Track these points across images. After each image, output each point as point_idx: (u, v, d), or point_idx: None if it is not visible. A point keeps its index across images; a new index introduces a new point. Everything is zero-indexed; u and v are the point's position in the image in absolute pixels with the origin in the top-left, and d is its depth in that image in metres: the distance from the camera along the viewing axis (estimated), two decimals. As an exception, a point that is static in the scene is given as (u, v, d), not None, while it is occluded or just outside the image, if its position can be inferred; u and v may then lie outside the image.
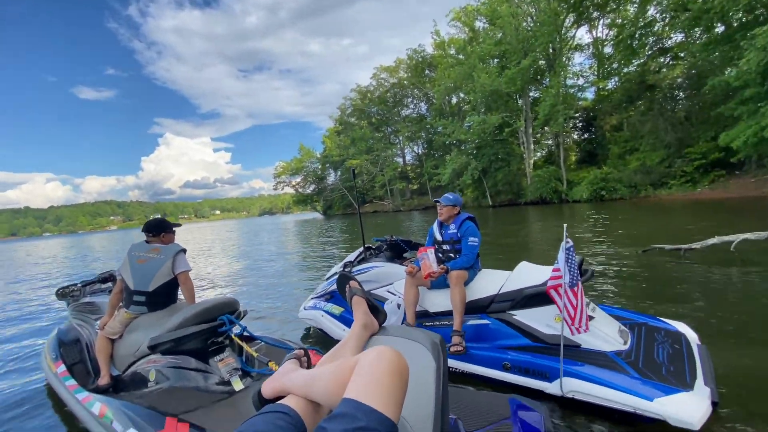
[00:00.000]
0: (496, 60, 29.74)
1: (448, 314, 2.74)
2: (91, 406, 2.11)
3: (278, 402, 0.92)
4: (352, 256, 3.73)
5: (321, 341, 3.35)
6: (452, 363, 2.50)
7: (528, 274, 2.62)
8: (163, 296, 2.57)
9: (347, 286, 1.53)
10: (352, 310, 1.38)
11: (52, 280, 10.37)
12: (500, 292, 2.61)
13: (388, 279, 3.27)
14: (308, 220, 42.71)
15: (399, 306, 2.93)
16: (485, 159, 29.73)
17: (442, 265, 2.73)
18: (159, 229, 2.72)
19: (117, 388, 2.42)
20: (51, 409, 2.71)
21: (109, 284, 3.54)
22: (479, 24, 32.73)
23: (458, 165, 30.30)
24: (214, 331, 2.23)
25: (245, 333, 2.41)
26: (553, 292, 2.05)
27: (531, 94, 29.61)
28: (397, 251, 3.75)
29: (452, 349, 2.50)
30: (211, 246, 17.90)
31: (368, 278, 3.30)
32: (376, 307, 1.38)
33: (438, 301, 2.85)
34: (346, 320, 3.21)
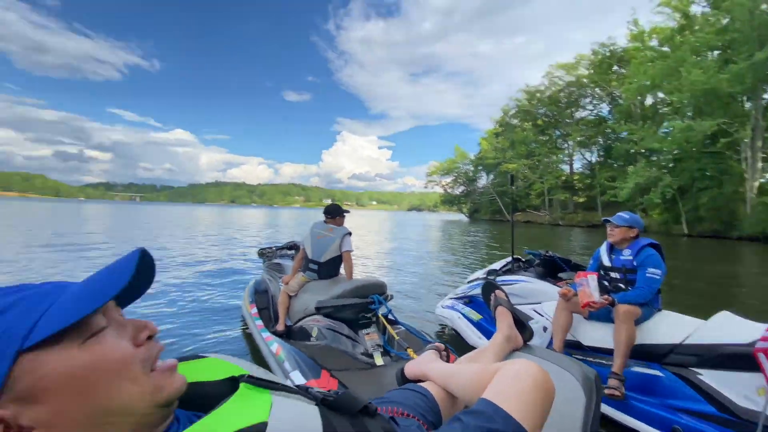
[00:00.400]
0: (716, 52, 23.11)
1: (607, 352, 2.33)
2: (271, 345, 2.52)
3: (418, 383, 0.99)
4: (497, 265, 3.57)
5: (454, 342, 3.35)
6: (606, 408, 2.13)
7: (729, 328, 2.02)
8: (330, 268, 3.09)
9: (492, 294, 1.49)
10: (495, 319, 1.34)
11: (254, 240, 13.47)
12: (685, 342, 2.08)
13: (536, 297, 3.00)
14: (453, 221, 42.88)
15: (545, 329, 2.66)
16: (685, 175, 23.65)
17: (606, 296, 2.32)
18: (335, 213, 3.26)
19: (289, 335, 2.86)
20: (242, 338, 3.50)
21: (293, 251, 4.37)
22: (696, 8, 25.96)
23: (644, 179, 24.83)
24: (365, 307, 2.52)
25: (390, 316, 2.65)
26: (762, 357, 1.61)
27: (766, 96, 21.79)
28: (551, 269, 3.38)
29: (608, 392, 2.12)
30: (368, 232, 19.97)
31: (513, 291, 3.10)
32: (522, 323, 1.32)
33: (596, 334, 2.45)
34: (483, 328, 3.11)
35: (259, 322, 3.02)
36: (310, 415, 0.54)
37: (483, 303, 3.22)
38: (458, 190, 58.10)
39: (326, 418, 0.56)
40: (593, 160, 41.25)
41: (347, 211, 3.40)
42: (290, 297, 3.09)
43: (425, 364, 1.09)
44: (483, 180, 53.97)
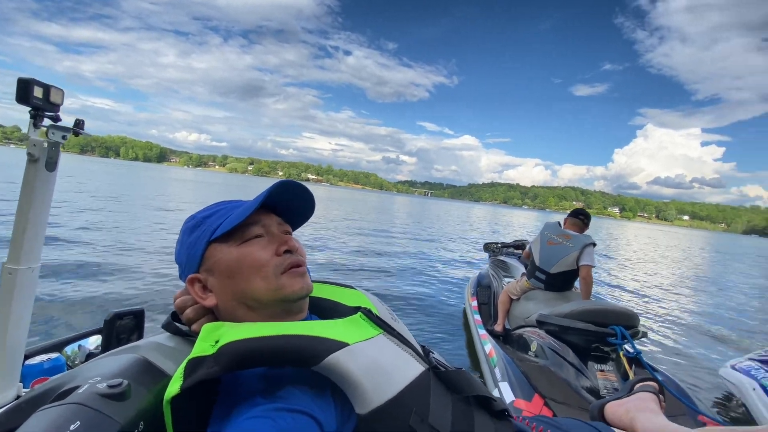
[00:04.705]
0: None
1: None
2: (485, 344, 2.44)
3: (615, 430, 0.81)
4: None
5: (733, 414, 2.44)
6: None
7: None
8: (560, 281, 2.68)
9: None
10: None
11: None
12: None
13: None
14: None
15: None
16: None
17: None
18: (579, 217, 2.81)
19: (506, 340, 2.66)
20: (461, 326, 3.66)
21: (519, 251, 4.02)
22: None
23: None
24: (602, 337, 2.03)
25: (637, 357, 2.06)
26: None
27: None
28: None
29: None
30: (663, 257, 15.87)
31: None
32: None
33: None
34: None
35: (478, 317, 3.02)
36: (404, 367, 0.54)
37: None
38: None
39: (425, 382, 0.54)
40: None
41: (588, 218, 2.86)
42: (512, 300, 2.91)
43: (637, 411, 0.87)
44: None
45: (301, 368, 0.47)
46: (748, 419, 2.37)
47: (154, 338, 0.57)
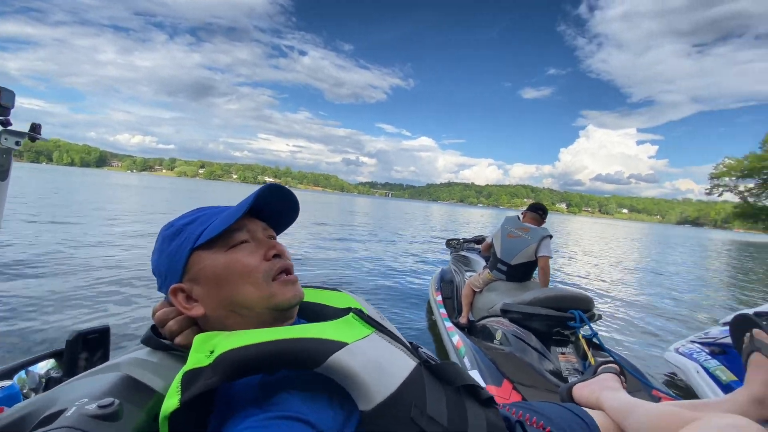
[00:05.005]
0: None
1: None
2: (452, 335, 2.50)
3: (584, 409, 0.86)
4: None
5: (681, 392, 2.60)
6: None
7: None
8: (521, 272, 2.82)
9: (748, 334, 1.01)
10: (746, 371, 0.96)
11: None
12: None
13: None
14: (757, 245, 29.93)
15: None
16: None
17: None
18: (537, 211, 2.98)
19: (471, 331, 2.74)
20: (425, 319, 3.70)
21: (479, 246, 4.05)
22: None
23: None
24: (562, 322, 2.16)
25: (595, 340, 2.21)
26: None
27: None
28: None
29: None
30: (608, 248, 17.13)
31: None
32: None
33: None
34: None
35: (443, 311, 3.06)
36: (399, 362, 0.55)
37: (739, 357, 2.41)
38: (770, 200, 39.79)
39: (418, 376, 0.56)
40: None
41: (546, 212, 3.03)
42: (475, 292, 2.99)
43: (601, 390, 0.93)
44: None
45: (301, 371, 0.47)
46: (696, 396, 2.51)
47: (134, 354, 0.54)
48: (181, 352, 0.54)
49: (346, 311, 0.62)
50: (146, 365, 0.51)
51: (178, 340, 0.54)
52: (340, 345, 0.48)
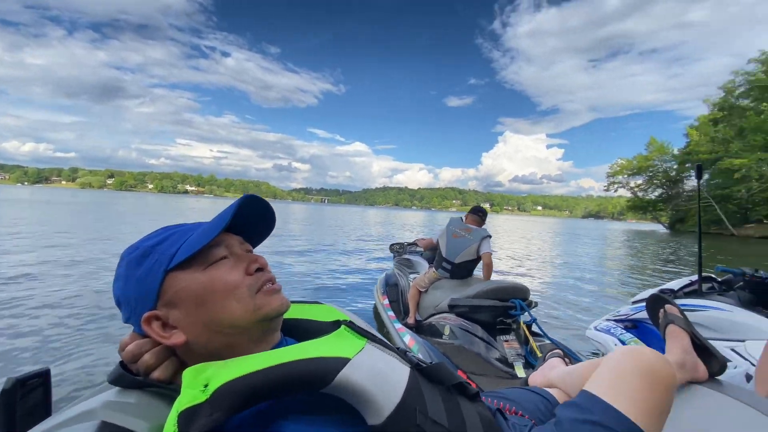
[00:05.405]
0: None
1: None
2: (404, 336, 2.56)
3: (544, 388, 0.98)
4: (675, 284, 2.90)
5: None
6: None
7: None
8: (464, 269, 2.99)
9: (662, 310, 1.18)
10: (665, 342, 1.08)
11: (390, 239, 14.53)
12: None
13: (735, 332, 2.28)
14: (645, 233, 35.13)
15: (748, 378, 2.06)
16: None
17: None
18: (477, 213, 3.21)
19: (419, 330, 2.81)
20: (374, 323, 3.51)
21: (421, 249, 4.20)
22: None
23: None
24: (504, 311, 2.33)
25: (533, 325, 2.42)
26: None
27: None
28: (763, 296, 2.58)
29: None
30: (530, 242, 18.67)
31: (698, 320, 2.41)
32: (707, 349, 1.01)
33: None
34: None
35: (391, 313, 3.11)
36: (397, 372, 0.54)
37: (651, 329, 2.71)
38: (653, 194, 47.10)
39: (415, 381, 0.56)
40: None
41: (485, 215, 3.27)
42: (420, 292, 3.08)
43: (548, 371, 1.05)
44: (693, 181, 42.22)
45: (306, 394, 0.45)
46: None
47: (105, 397, 0.49)
48: (159, 389, 0.50)
49: (335, 324, 0.61)
50: (124, 408, 0.46)
51: (155, 374, 0.50)
52: (344, 361, 0.47)
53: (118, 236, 9.78)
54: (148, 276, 0.50)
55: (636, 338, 2.80)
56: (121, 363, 0.52)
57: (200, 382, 0.42)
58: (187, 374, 0.44)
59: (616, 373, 0.67)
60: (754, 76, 32.84)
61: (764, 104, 32.60)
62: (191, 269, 0.51)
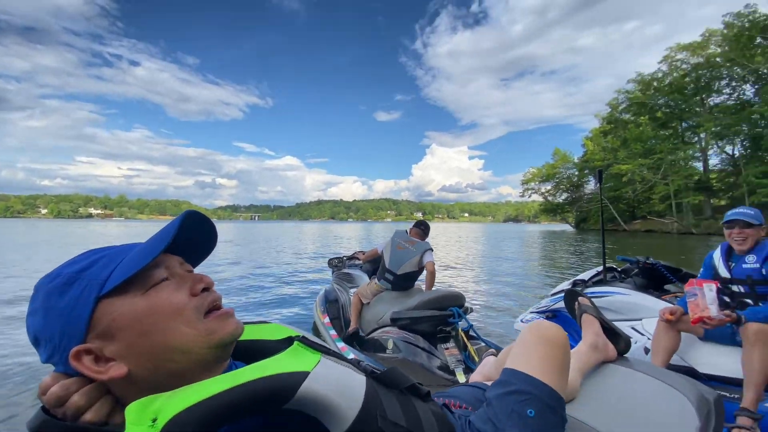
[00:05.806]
0: None
1: (734, 383, 1.97)
2: (347, 354, 2.48)
3: (483, 382, 1.07)
4: (586, 275, 3.22)
5: None
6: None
7: None
8: (406, 281, 3.04)
9: (576, 302, 1.41)
10: (581, 329, 1.26)
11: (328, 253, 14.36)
12: None
13: (634, 312, 2.62)
14: (556, 233, 39.20)
15: (647, 351, 2.35)
16: None
17: (729, 311, 1.98)
18: (420, 227, 3.31)
19: (362, 345, 2.82)
20: None
21: (361, 262, 4.22)
22: None
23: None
24: (443, 320, 2.41)
25: (471, 331, 2.51)
26: None
27: None
28: (654, 279, 2.96)
29: (734, 431, 1.80)
30: (461, 246, 19.61)
31: (605, 305, 2.74)
32: (615, 332, 1.21)
33: (716, 359, 2.09)
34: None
35: (333, 332, 3.07)
36: (355, 380, 0.56)
37: (568, 317, 2.93)
38: (561, 198, 53.10)
39: (372, 387, 0.57)
40: (736, 153, 33.90)
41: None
42: (363, 303, 3.09)
43: (485, 368, 1.16)
44: (591, 185, 48.50)
45: (268, 413, 0.45)
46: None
47: None
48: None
49: (287, 341, 0.62)
50: None
51: (88, 417, 0.44)
52: (304, 375, 0.48)
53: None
54: (76, 305, 0.45)
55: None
56: (43, 408, 0.46)
57: (147, 417, 0.39)
58: (131, 410, 0.40)
59: (525, 346, 0.82)
60: (633, 94, 39.10)
61: (642, 118, 39.00)
62: (129, 294, 0.47)
